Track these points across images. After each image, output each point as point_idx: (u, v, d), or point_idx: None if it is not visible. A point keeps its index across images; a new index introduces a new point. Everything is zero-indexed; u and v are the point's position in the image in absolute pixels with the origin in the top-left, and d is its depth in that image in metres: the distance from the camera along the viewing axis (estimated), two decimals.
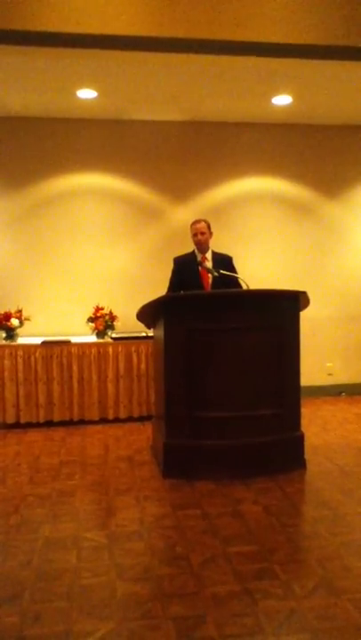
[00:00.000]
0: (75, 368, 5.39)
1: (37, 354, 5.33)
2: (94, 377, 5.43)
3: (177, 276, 4.53)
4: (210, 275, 4.36)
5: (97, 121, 6.04)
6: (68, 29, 3.85)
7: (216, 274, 4.27)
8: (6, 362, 5.29)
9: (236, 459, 3.78)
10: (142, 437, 4.90)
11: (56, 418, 5.38)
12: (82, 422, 5.41)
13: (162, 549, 2.80)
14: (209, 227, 4.55)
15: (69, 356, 5.40)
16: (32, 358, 5.33)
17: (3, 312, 5.48)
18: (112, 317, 5.65)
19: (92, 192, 6.13)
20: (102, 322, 5.59)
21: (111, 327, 5.63)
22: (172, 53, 4.28)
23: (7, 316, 5.43)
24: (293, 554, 2.72)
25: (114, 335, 5.59)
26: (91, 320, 5.64)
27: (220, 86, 5.24)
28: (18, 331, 5.49)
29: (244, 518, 3.12)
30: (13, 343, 5.40)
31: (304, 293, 4.01)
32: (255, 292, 4.05)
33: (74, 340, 5.51)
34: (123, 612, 2.23)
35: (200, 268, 4.43)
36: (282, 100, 5.63)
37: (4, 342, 5.41)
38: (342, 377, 6.59)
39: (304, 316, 4.14)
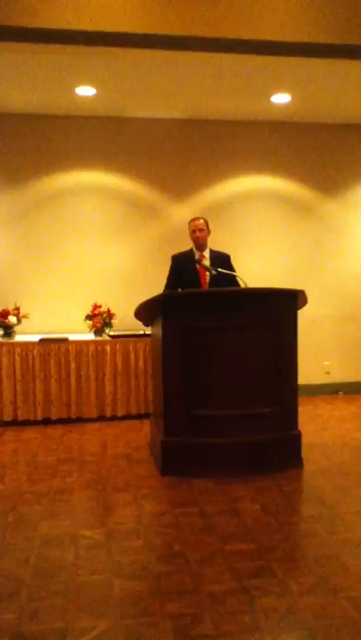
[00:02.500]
0: (72, 366, 5.39)
1: (35, 351, 5.33)
2: (92, 375, 5.43)
3: (175, 274, 4.54)
4: (207, 272, 4.37)
5: (96, 118, 6.03)
6: (67, 26, 3.85)
7: (214, 272, 4.27)
8: (4, 359, 5.28)
9: (233, 457, 3.78)
10: (140, 435, 4.90)
11: (54, 415, 5.37)
12: (80, 420, 5.41)
13: (159, 547, 2.80)
14: (207, 224, 4.55)
15: (67, 354, 5.39)
16: (30, 356, 5.32)
17: (0, 309, 5.47)
18: (110, 315, 5.64)
19: (90, 189, 6.12)
20: (100, 319, 5.58)
21: (109, 325, 5.62)
22: (172, 51, 4.27)
23: (5, 314, 5.42)
24: (291, 552, 2.73)
25: (112, 333, 5.59)
26: (89, 318, 5.64)
27: (220, 84, 5.23)
28: (15, 328, 5.48)
29: (242, 516, 3.13)
30: (11, 340, 5.39)
31: (302, 292, 4.01)
32: (253, 290, 4.05)
33: (72, 337, 5.50)
34: (120, 609, 2.23)
35: (198, 265, 4.43)
36: (281, 98, 5.63)
37: (1, 340, 5.40)
38: (340, 376, 6.60)
39: (302, 314, 4.15)
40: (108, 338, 5.56)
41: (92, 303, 5.70)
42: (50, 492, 3.54)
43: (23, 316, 5.52)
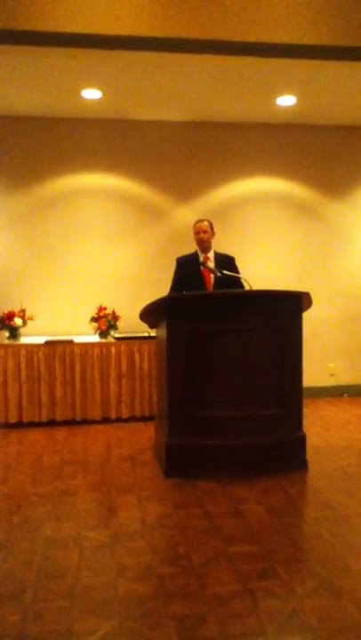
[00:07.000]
0: (77, 368, 5.40)
1: (40, 353, 5.34)
2: (97, 376, 5.44)
3: (179, 276, 4.54)
4: (212, 275, 4.37)
5: (101, 121, 6.06)
6: (72, 29, 3.86)
7: (219, 274, 4.27)
8: (9, 361, 5.30)
9: (237, 459, 3.78)
10: (144, 437, 4.90)
11: (58, 417, 5.38)
12: (84, 422, 5.42)
13: (164, 549, 2.80)
14: (211, 226, 4.55)
15: (72, 356, 5.40)
16: (35, 358, 5.34)
17: (6, 311, 5.50)
18: (115, 317, 5.65)
19: (95, 192, 6.14)
20: (105, 322, 5.59)
21: (114, 327, 5.64)
22: (177, 53, 4.27)
23: (10, 316, 5.44)
24: (295, 554, 2.72)
25: (117, 335, 5.60)
26: (94, 320, 5.65)
27: (225, 87, 5.24)
28: (21, 330, 5.50)
29: (246, 518, 3.13)
30: (16, 342, 5.41)
31: (307, 294, 4.01)
32: (258, 292, 4.05)
33: (77, 339, 5.52)
34: (124, 611, 2.23)
35: (202, 267, 4.44)
36: (286, 100, 5.63)
37: (7, 341, 5.42)
38: (345, 378, 6.58)
39: (307, 316, 4.14)
40: (112, 340, 5.57)
41: (97, 305, 5.71)
42: (54, 494, 3.55)
43: (29, 318, 5.54)
